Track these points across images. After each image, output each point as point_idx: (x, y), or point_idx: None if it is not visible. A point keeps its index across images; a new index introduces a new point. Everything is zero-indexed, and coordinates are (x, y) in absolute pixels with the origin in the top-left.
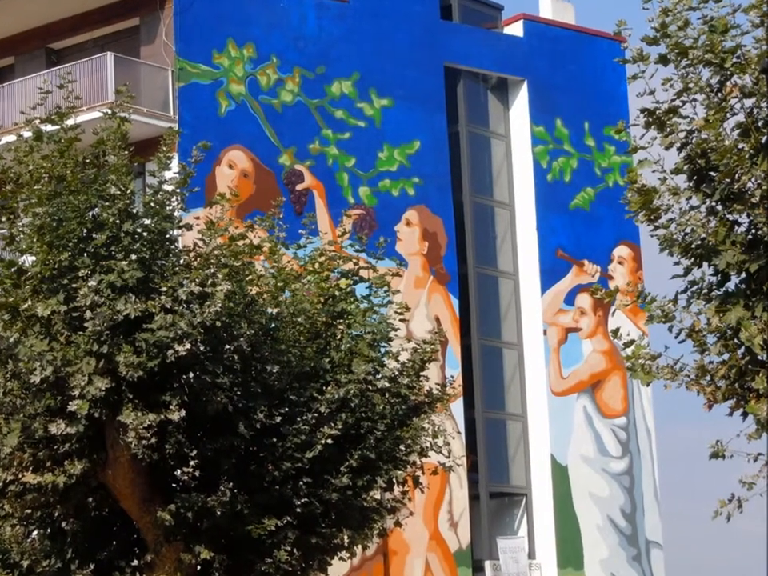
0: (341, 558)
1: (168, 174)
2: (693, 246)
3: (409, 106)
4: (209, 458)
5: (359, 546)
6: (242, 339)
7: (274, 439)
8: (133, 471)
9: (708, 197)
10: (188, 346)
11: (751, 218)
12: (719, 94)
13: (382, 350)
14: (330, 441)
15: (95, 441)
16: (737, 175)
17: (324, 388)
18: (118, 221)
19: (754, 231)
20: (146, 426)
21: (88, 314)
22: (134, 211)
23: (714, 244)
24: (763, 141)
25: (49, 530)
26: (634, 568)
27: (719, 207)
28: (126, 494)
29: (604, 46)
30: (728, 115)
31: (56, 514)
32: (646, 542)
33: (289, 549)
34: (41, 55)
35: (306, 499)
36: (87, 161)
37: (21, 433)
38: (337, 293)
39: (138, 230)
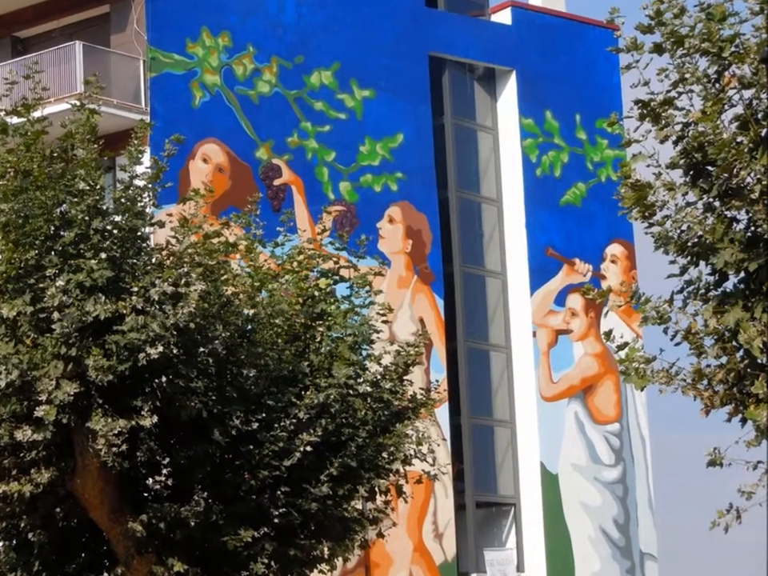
0: (320, 571)
1: (139, 169)
2: (689, 243)
3: (392, 98)
4: (182, 466)
5: (340, 559)
6: (217, 342)
7: (251, 446)
8: (102, 480)
9: (705, 192)
10: (160, 348)
11: (750, 214)
12: (717, 85)
13: (364, 353)
14: (309, 448)
15: (63, 448)
16: (735, 170)
17: (303, 393)
18: (87, 218)
19: (753, 228)
20: (116, 432)
21: (56, 315)
22: (104, 208)
23: (712, 242)
24: (763, 134)
25: (15, 542)
26: None
27: (717, 203)
28: (96, 504)
29: (596, 34)
30: (726, 107)
31: (22, 525)
32: (640, 554)
33: (266, 561)
34: (6, 44)
35: (283, 509)
36: (55, 155)
37: None
38: (316, 293)
39: (108, 228)
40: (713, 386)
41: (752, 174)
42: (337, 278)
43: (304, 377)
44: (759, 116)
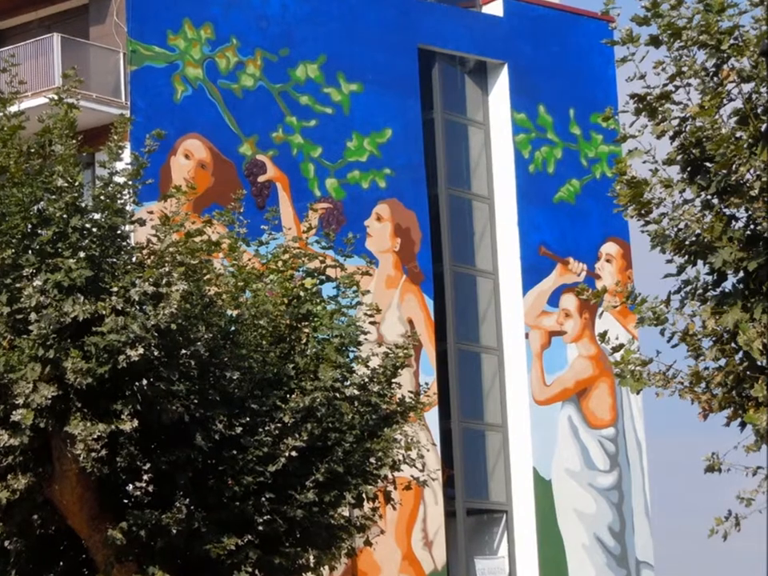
0: None
1: (119, 165)
2: (687, 242)
3: (380, 92)
4: (163, 472)
5: (326, 567)
6: (199, 343)
7: (234, 451)
8: (81, 486)
9: (703, 189)
10: (141, 350)
11: (749, 212)
12: (715, 79)
13: (351, 355)
14: (294, 453)
15: (41, 453)
16: (734, 166)
17: (288, 396)
18: (65, 215)
19: (752, 226)
20: (95, 437)
21: (33, 315)
22: (83, 205)
23: (710, 240)
24: (762, 129)
25: None
26: None
27: (715, 201)
28: (74, 511)
29: (591, 26)
30: (725, 101)
31: None
32: (636, 563)
33: (250, 570)
34: None
35: (268, 516)
36: (32, 151)
37: None
38: (302, 293)
39: (87, 226)
40: (711, 389)
41: (751, 171)
42: (323, 277)
43: (289, 379)
44: (759, 110)
